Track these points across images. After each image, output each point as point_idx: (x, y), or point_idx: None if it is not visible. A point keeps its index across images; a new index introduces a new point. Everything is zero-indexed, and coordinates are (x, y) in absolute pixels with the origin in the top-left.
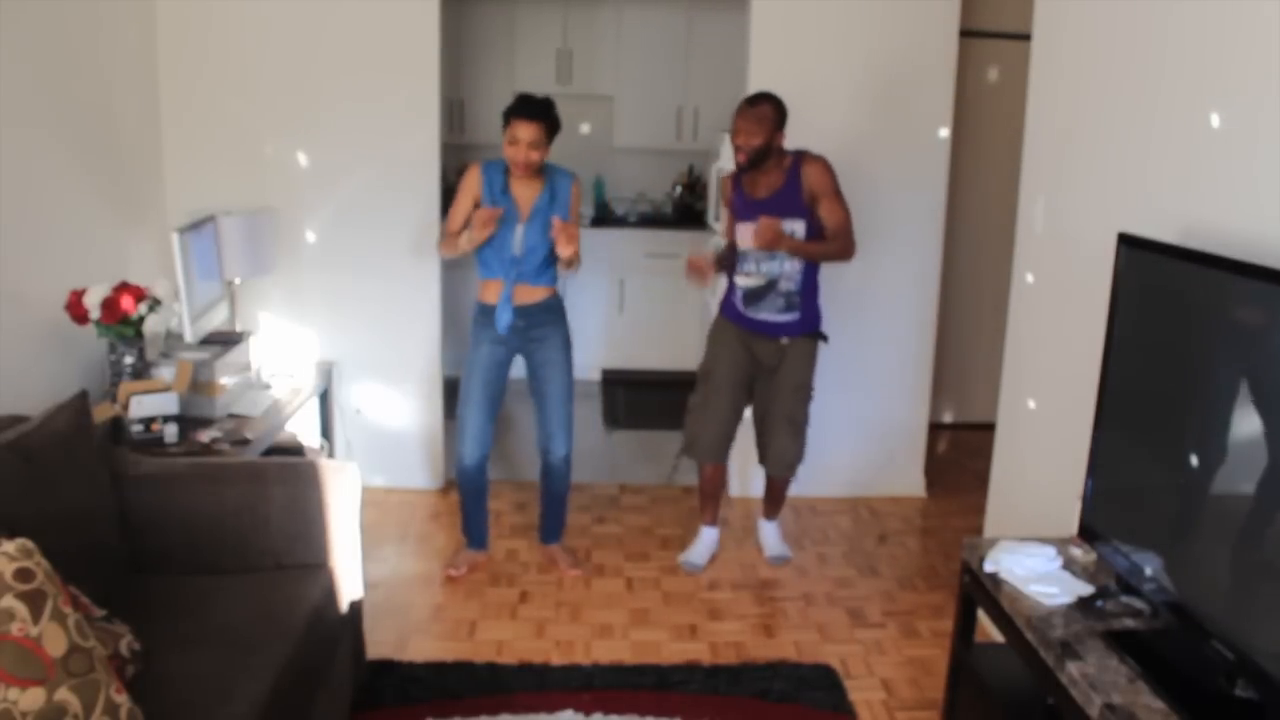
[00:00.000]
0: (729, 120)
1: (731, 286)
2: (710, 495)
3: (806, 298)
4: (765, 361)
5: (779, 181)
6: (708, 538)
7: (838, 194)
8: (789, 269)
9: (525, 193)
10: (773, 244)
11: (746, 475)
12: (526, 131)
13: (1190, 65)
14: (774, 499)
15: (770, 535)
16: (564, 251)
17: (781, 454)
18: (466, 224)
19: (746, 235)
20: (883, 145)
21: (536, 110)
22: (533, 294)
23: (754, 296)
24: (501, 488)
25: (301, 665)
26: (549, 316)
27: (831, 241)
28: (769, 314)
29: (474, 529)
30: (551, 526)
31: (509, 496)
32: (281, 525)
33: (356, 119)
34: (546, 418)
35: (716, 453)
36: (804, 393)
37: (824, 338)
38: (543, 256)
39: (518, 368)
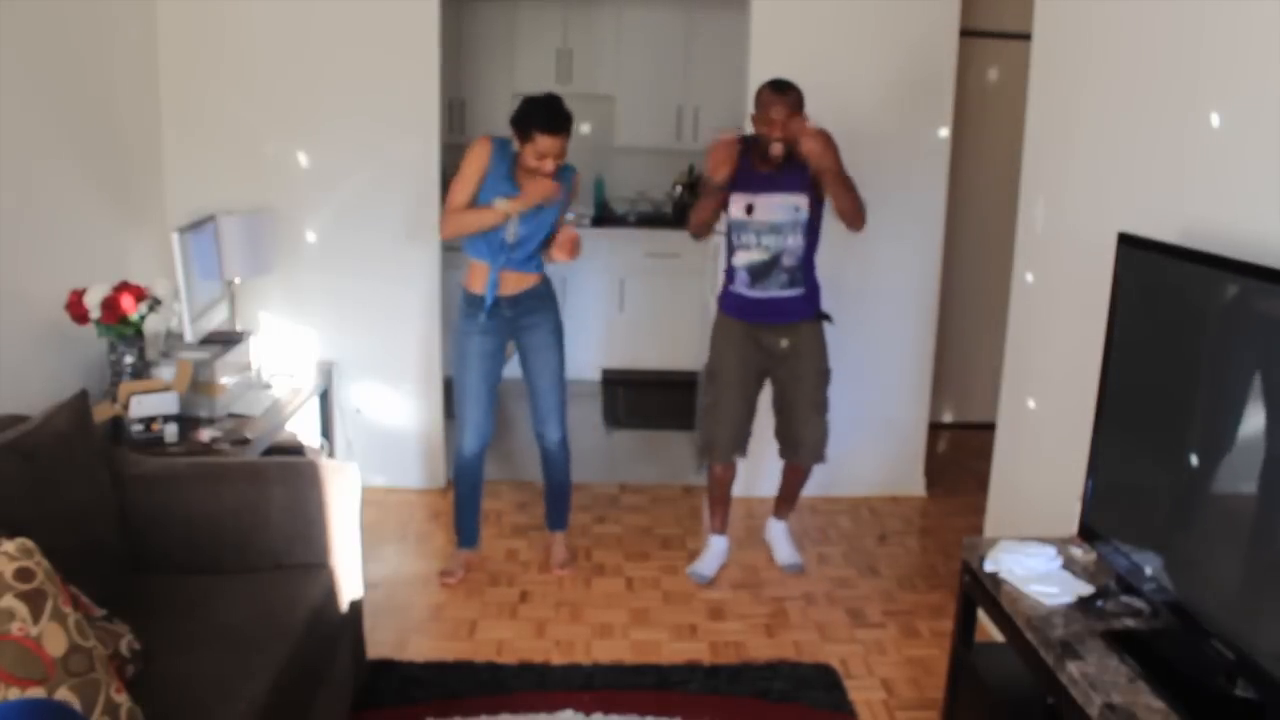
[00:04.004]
0: (730, 119)
1: (730, 278)
2: (719, 499)
3: (808, 274)
4: (777, 351)
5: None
6: (717, 547)
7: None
8: (791, 244)
9: (529, 183)
10: (821, 155)
11: (748, 474)
12: (554, 145)
13: (1190, 65)
14: (791, 494)
15: (782, 540)
16: (558, 257)
17: (816, 442)
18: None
19: (746, 205)
20: (883, 145)
21: (561, 123)
22: (521, 281)
23: (758, 274)
24: (500, 487)
25: (301, 665)
26: (538, 304)
27: (853, 190)
28: (775, 290)
29: (467, 525)
30: (555, 515)
31: (509, 496)
32: (281, 525)
33: (357, 119)
34: (538, 404)
35: (734, 452)
36: (826, 376)
37: (828, 318)
38: (535, 246)
39: (512, 367)
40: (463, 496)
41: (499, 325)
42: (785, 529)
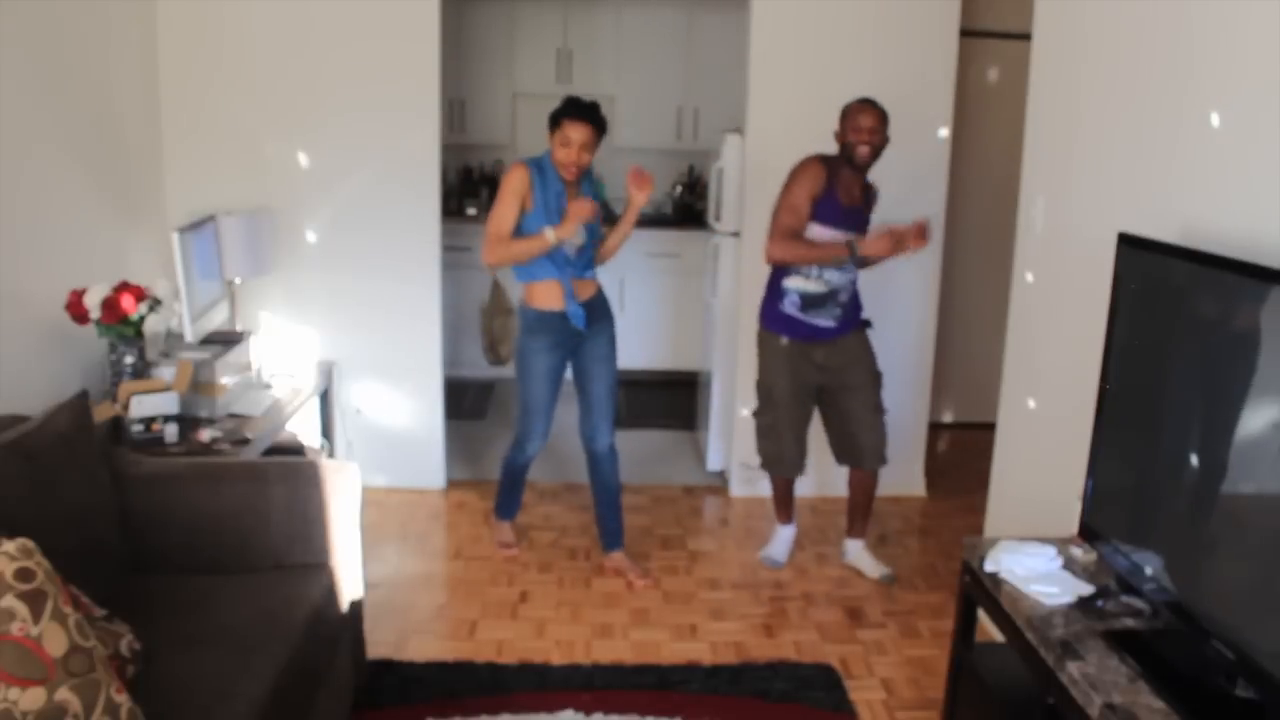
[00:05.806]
0: (729, 120)
1: (779, 295)
2: (784, 498)
3: (856, 306)
4: (830, 363)
5: (859, 192)
6: (786, 535)
7: None
8: (848, 280)
9: (573, 195)
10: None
11: (747, 475)
12: (580, 133)
13: (1190, 65)
14: (864, 507)
15: (864, 557)
16: (639, 197)
17: (878, 445)
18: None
19: (830, 238)
20: None
21: (588, 111)
22: (587, 288)
23: (811, 302)
24: None
25: (301, 665)
26: (602, 311)
27: None
28: (824, 320)
29: (513, 504)
30: (612, 529)
31: None
32: (281, 525)
33: (357, 119)
34: (591, 412)
35: (800, 466)
36: (880, 379)
37: (868, 324)
38: (591, 252)
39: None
40: (512, 485)
41: (567, 339)
42: (862, 545)
